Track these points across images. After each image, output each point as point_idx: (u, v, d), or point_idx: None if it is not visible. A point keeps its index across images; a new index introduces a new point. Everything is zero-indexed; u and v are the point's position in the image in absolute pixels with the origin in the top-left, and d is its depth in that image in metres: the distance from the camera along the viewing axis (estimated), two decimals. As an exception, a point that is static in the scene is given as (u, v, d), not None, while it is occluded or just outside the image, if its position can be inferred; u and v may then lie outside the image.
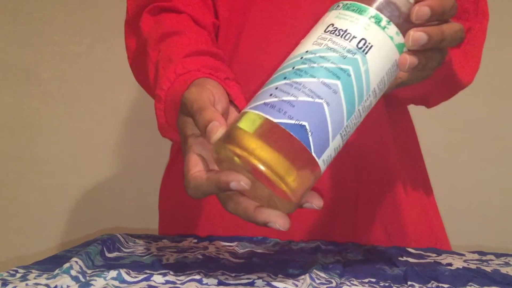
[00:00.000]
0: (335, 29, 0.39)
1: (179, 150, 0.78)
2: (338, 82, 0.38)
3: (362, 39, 0.39)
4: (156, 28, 0.63)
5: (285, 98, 0.37)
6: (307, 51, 0.39)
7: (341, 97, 0.38)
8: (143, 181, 1.42)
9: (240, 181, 0.38)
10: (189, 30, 0.63)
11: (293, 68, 0.39)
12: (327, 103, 0.37)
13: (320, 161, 0.38)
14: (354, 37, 0.39)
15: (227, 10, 0.70)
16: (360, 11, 0.40)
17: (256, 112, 0.38)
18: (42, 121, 1.48)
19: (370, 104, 0.40)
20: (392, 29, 0.39)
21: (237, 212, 0.42)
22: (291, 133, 0.37)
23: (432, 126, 1.27)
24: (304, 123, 0.37)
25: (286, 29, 0.68)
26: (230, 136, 0.38)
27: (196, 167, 0.43)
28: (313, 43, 0.40)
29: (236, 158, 0.38)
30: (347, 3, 0.41)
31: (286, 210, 0.40)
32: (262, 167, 0.36)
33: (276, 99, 0.38)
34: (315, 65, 0.38)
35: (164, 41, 0.61)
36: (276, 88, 0.38)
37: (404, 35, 0.40)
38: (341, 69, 0.38)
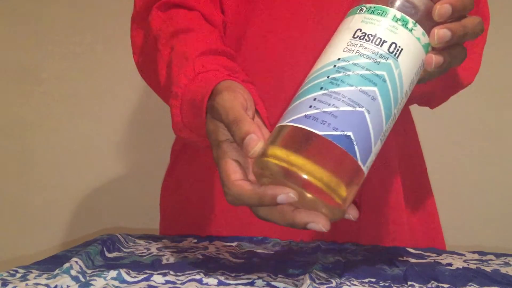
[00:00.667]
0: (363, 34, 0.40)
1: (180, 152, 0.78)
2: (375, 89, 0.38)
3: (393, 43, 0.39)
4: (167, 24, 0.62)
5: (326, 109, 0.37)
6: (339, 59, 0.39)
7: (380, 103, 0.38)
8: (144, 181, 1.43)
9: (288, 193, 0.38)
10: (202, 28, 0.62)
11: (328, 77, 0.39)
12: (368, 111, 0.38)
13: (364, 168, 0.39)
14: (384, 41, 0.39)
15: (234, 7, 0.69)
16: (385, 14, 0.40)
17: (299, 125, 0.38)
18: (42, 121, 1.47)
19: (403, 105, 0.41)
20: (419, 30, 0.40)
21: (271, 217, 0.42)
22: (338, 145, 0.37)
23: (432, 126, 1.27)
24: (348, 133, 0.37)
25: (290, 25, 0.68)
26: (275, 152, 0.38)
27: (236, 174, 0.43)
28: (344, 50, 0.40)
29: (281, 173, 0.38)
30: (370, 7, 0.41)
31: (334, 216, 0.40)
32: (314, 182, 0.37)
33: (317, 111, 0.38)
34: (350, 73, 0.38)
35: (176, 38, 0.60)
36: (315, 100, 0.38)
37: (428, 34, 0.40)
38: (376, 75, 0.38)
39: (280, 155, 0.38)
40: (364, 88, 0.38)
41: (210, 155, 0.73)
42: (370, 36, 0.39)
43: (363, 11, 0.41)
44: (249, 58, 0.68)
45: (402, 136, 0.75)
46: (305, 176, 0.36)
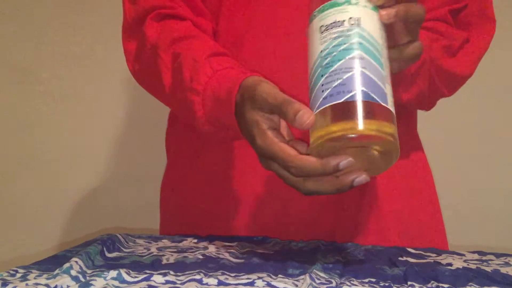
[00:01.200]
0: (327, 26, 0.48)
1: (176, 153, 0.78)
2: (358, 51, 0.46)
3: (350, 17, 0.47)
4: (165, 33, 0.65)
5: (334, 84, 0.45)
6: (321, 51, 0.47)
7: (368, 58, 0.46)
8: (144, 181, 1.43)
9: (348, 159, 0.45)
10: (200, 35, 0.66)
11: (322, 66, 0.47)
12: (363, 67, 0.45)
13: (390, 107, 0.46)
14: (343, 20, 0.47)
15: (230, 13, 0.70)
16: (332, 5, 0.48)
17: (326, 106, 0.45)
18: (42, 121, 1.47)
19: (387, 55, 0.49)
20: (362, 1, 0.48)
21: (320, 187, 0.48)
22: (362, 100, 0.44)
23: (432, 126, 1.27)
24: (362, 88, 0.44)
25: (290, 26, 0.68)
26: (329, 129, 0.45)
27: (293, 151, 0.48)
28: (320, 44, 0.48)
29: (338, 143, 0.45)
30: (320, 8, 0.49)
31: (391, 152, 0.46)
32: (367, 132, 0.44)
33: (329, 89, 0.45)
34: (335, 53, 0.46)
35: (177, 44, 0.63)
36: (323, 85, 0.46)
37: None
38: (352, 43, 0.46)
39: (333, 130, 0.44)
40: (350, 55, 0.46)
41: (210, 155, 0.73)
42: (331, 24, 0.47)
43: (316, 16, 0.49)
44: (249, 60, 0.69)
45: (404, 138, 0.75)
46: (357, 133, 0.44)
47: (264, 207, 0.70)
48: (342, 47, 0.46)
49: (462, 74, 0.70)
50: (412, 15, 0.50)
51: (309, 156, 0.47)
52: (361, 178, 0.46)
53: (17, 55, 1.47)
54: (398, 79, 0.59)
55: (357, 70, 0.45)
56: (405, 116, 0.77)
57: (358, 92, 0.44)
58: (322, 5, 0.49)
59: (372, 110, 0.44)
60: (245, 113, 0.52)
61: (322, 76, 0.46)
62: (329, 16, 0.48)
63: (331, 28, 0.47)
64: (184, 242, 0.66)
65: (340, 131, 0.44)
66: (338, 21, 0.47)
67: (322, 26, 0.48)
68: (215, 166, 0.73)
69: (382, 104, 0.45)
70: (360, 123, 0.44)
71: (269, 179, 0.69)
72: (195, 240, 0.67)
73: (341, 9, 0.48)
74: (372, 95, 0.44)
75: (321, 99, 0.45)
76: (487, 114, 1.44)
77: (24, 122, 1.47)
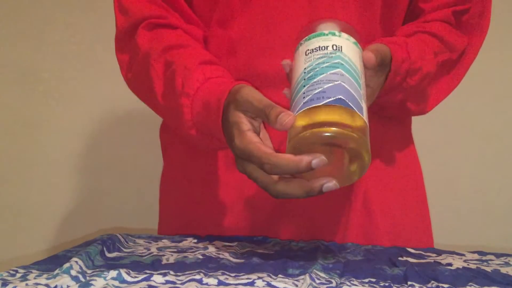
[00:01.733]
0: (311, 49, 0.52)
1: (175, 157, 0.78)
2: (339, 69, 0.50)
3: (333, 44, 0.52)
4: (157, 42, 0.66)
5: (315, 91, 0.48)
6: (304, 69, 0.51)
7: (347, 76, 0.50)
8: (143, 181, 1.43)
9: (321, 157, 0.46)
10: (191, 43, 0.67)
11: (304, 79, 0.50)
12: (343, 82, 0.49)
13: (364, 117, 0.48)
14: (327, 46, 0.52)
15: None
16: (318, 35, 0.54)
17: (305, 108, 0.48)
18: (42, 121, 1.48)
19: (364, 81, 0.53)
20: (344, 34, 0.54)
21: (290, 190, 0.49)
22: (339, 104, 0.47)
23: (432, 126, 1.27)
24: (339, 96, 0.48)
25: (284, 25, 0.68)
26: (305, 126, 0.47)
27: (269, 149, 0.49)
28: (304, 63, 0.52)
29: (311, 141, 0.47)
30: (306, 38, 0.54)
31: (365, 165, 0.48)
32: (342, 128, 0.46)
33: (310, 95, 0.48)
34: (317, 68, 0.50)
35: (169, 53, 0.64)
36: (304, 93, 0.49)
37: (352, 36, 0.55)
38: (334, 63, 0.50)
39: (306, 127, 0.47)
40: (332, 71, 0.49)
41: (203, 155, 0.73)
42: (316, 48, 0.52)
43: (303, 44, 0.54)
44: (241, 68, 0.69)
45: (392, 143, 0.75)
46: (331, 130, 0.46)
47: (260, 206, 0.70)
48: (325, 65, 0.50)
49: (441, 99, 0.73)
50: (382, 55, 0.56)
51: (284, 154, 0.48)
52: (331, 184, 0.48)
53: (17, 55, 1.47)
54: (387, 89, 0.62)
55: (337, 82, 0.48)
56: (398, 118, 0.77)
57: (336, 98, 0.47)
58: (309, 35, 0.54)
59: (347, 113, 0.47)
60: (229, 114, 0.53)
61: (304, 86, 0.49)
62: (314, 42, 0.53)
63: (316, 51, 0.52)
64: (184, 242, 0.66)
65: (315, 127, 0.46)
66: (322, 46, 0.52)
67: (307, 50, 0.52)
68: (210, 166, 0.73)
69: (358, 112, 0.48)
70: (335, 121, 0.46)
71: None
72: (195, 240, 0.67)
73: (326, 38, 0.53)
74: (350, 103, 0.47)
75: (302, 104, 0.48)
76: (488, 114, 1.44)
77: (24, 122, 1.47)
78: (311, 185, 0.48)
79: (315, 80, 0.49)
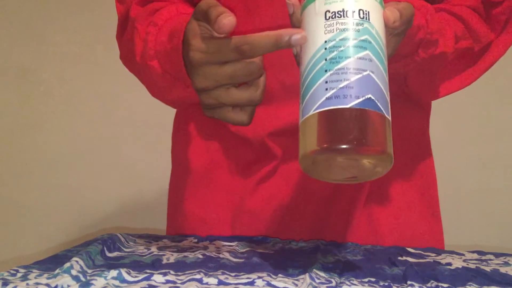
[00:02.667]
0: (333, 13, 0.44)
1: (181, 164, 0.78)
2: (367, 52, 0.43)
3: (360, 9, 0.44)
4: (146, 9, 0.64)
5: (341, 85, 0.42)
6: (326, 41, 0.43)
7: (375, 61, 0.43)
8: (144, 181, 1.43)
9: (301, 32, 0.44)
10: (176, 4, 0.64)
11: (326, 59, 0.43)
12: (372, 71, 0.43)
13: (389, 117, 0.43)
14: (353, 11, 0.44)
15: None
16: None
17: (327, 108, 0.42)
18: (42, 121, 1.48)
19: (386, 53, 0.46)
20: None
21: (241, 95, 0.47)
22: (366, 108, 0.42)
23: (432, 125, 1.27)
24: (369, 95, 0.42)
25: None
26: (333, 136, 0.42)
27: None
28: (325, 32, 0.44)
29: (335, 160, 0.42)
30: None
31: (386, 168, 0.44)
32: (372, 148, 0.41)
33: (334, 90, 0.42)
34: (342, 48, 0.43)
35: (154, 15, 0.61)
36: (327, 82, 0.42)
37: None
38: (362, 40, 0.43)
39: (334, 138, 0.41)
40: (359, 55, 0.43)
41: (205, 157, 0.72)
42: (340, 12, 0.44)
43: None
44: None
45: (409, 136, 0.74)
46: (360, 148, 0.41)
47: (262, 201, 0.71)
48: (351, 42, 0.43)
49: (455, 90, 0.67)
50: (407, 18, 0.48)
51: (257, 33, 0.45)
52: (299, 36, 0.44)
53: (17, 55, 1.47)
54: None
55: (365, 73, 0.42)
56: (416, 120, 0.75)
57: (366, 99, 0.42)
58: None
59: (377, 122, 0.42)
60: (188, 23, 0.50)
61: (325, 71, 0.43)
62: (337, 2, 0.44)
63: (339, 17, 0.43)
64: (184, 242, 0.66)
65: (345, 143, 0.41)
66: (347, 11, 0.44)
67: (328, 11, 0.44)
68: (215, 166, 0.73)
69: (386, 115, 0.43)
70: (365, 136, 0.41)
71: (267, 180, 0.70)
72: (195, 240, 0.67)
73: None
74: (379, 104, 0.42)
75: (324, 98, 0.42)
76: (488, 114, 1.44)
77: (24, 122, 1.48)
78: (279, 33, 0.44)
79: (340, 65, 0.42)
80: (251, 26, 0.66)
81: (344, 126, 0.41)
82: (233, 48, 0.45)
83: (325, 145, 0.42)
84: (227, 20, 0.43)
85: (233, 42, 0.45)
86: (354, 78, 0.42)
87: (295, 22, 0.48)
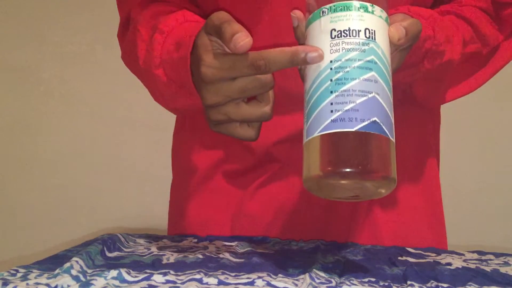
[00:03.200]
0: (339, 32, 0.44)
1: (186, 170, 0.78)
2: (373, 73, 0.43)
3: (366, 29, 0.43)
4: (147, 10, 0.63)
5: (347, 108, 0.42)
6: (331, 61, 0.43)
7: (381, 82, 0.43)
8: (144, 181, 1.43)
9: (318, 51, 0.43)
10: (182, 10, 0.63)
11: (331, 80, 0.43)
12: (377, 93, 0.42)
13: (393, 139, 0.43)
14: (359, 30, 0.43)
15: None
16: (348, 8, 0.44)
17: (332, 131, 0.42)
18: (42, 121, 1.48)
19: (391, 73, 0.46)
20: (377, 9, 0.45)
21: (252, 112, 0.47)
22: (372, 132, 0.41)
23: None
24: (374, 118, 0.42)
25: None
26: (338, 158, 0.42)
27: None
28: (330, 52, 0.44)
29: (340, 183, 0.42)
30: (331, 6, 0.45)
31: (389, 190, 0.43)
32: (377, 174, 0.41)
33: (340, 112, 0.42)
34: (348, 69, 0.43)
35: (156, 19, 0.60)
36: (332, 104, 0.42)
37: (382, 8, 0.46)
38: (368, 61, 0.43)
39: (339, 160, 0.41)
40: (365, 76, 0.42)
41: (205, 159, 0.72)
42: (346, 31, 0.43)
43: (326, 13, 0.45)
44: None
45: (414, 133, 0.73)
46: (365, 173, 0.41)
47: (264, 205, 0.71)
48: (357, 63, 0.43)
49: (463, 94, 0.66)
50: (413, 35, 0.48)
51: (273, 49, 0.45)
52: (315, 54, 0.44)
53: (17, 55, 1.47)
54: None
55: (371, 95, 0.42)
56: (422, 124, 0.74)
57: (371, 123, 0.41)
58: (334, 4, 0.45)
59: (382, 146, 0.42)
60: (196, 40, 0.49)
61: (331, 92, 0.42)
62: (343, 20, 0.44)
63: (345, 37, 0.43)
64: (184, 242, 0.66)
65: (349, 167, 0.41)
66: (353, 30, 0.43)
67: (334, 29, 0.44)
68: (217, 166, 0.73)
69: (390, 138, 0.43)
70: (370, 161, 0.41)
71: (268, 184, 0.70)
72: (195, 240, 0.67)
73: (357, 16, 0.44)
74: (384, 127, 0.42)
75: (329, 120, 0.42)
76: (488, 114, 1.44)
77: (24, 122, 1.48)
78: (296, 50, 0.44)
79: (345, 87, 0.42)
80: (254, 29, 0.66)
81: (349, 150, 0.41)
82: (248, 64, 0.44)
83: (329, 169, 0.42)
84: (244, 42, 0.43)
85: (249, 58, 0.44)
86: (359, 100, 0.42)
87: (299, 36, 0.48)
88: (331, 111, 0.42)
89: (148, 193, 1.41)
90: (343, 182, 0.42)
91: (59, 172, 1.47)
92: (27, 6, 1.47)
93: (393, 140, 0.43)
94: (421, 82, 0.61)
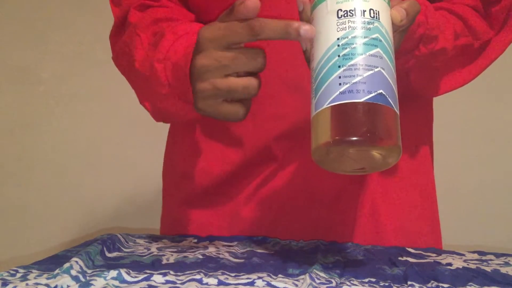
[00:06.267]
0: (345, 12, 0.46)
1: (174, 150, 0.78)
2: (378, 49, 0.45)
3: (371, 9, 0.46)
4: (147, 16, 0.64)
5: (354, 80, 0.44)
6: (338, 38, 0.45)
7: (385, 58, 0.45)
8: (144, 181, 1.43)
9: (311, 26, 0.46)
10: (182, 18, 0.64)
11: (339, 56, 0.45)
12: (382, 68, 0.45)
13: (398, 110, 0.45)
14: (364, 11, 0.46)
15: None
16: None
17: (341, 102, 0.44)
18: (42, 121, 1.48)
19: (394, 51, 0.48)
20: None
21: (237, 81, 0.48)
22: (378, 103, 0.44)
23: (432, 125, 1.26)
24: (380, 90, 0.44)
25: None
26: (347, 129, 0.44)
27: None
28: (337, 29, 0.46)
29: (349, 152, 0.44)
30: None
31: (395, 156, 0.45)
32: (384, 140, 0.44)
33: (348, 85, 0.44)
34: (354, 45, 0.45)
35: (157, 24, 0.61)
36: (340, 77, 0.44)
37: None
38: (373, 38, 0.45)
39: (348, 130, 0.43)
40: (371, 52, 0.45)
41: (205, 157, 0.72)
42: (351, 11, 0.46)
43: None
44: None
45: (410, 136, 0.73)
46: (373, 140, 0.43)
47: (263, 206, 0.70)
48: (362, 41, 0.45)
49: (457, 86, 0.68)
50: (413, 16, 0.50)
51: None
52: (307, 27, 0.46)
53: (17, 55, 1.47)
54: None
55: (377, 69, 0.44)
56: (416, 120, 0.74)
57: (377, 94, 0.44)
58: None
59: (388, 116, 0.44)
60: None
61: (339, 67, 0.45)
62: (348, 1, 0.46)
63: (351, 16, 0.45)
64: (184, 242, 0.66)
65: (358, 135, 0.43)
66: (359, 10, 0.46)
67: (340, 10, 0.46)
68: (211, 166, 0.73)
69: (395, 110, 0.45)
70: (376, 129, 0.43)
71: (267, 184, 0.70)
72: (195, 240, 0.67)
73: None
74: (389, 99, 0.44)
75: (338, 92, 0.44)
76: (488, 114, 1.44)
77: (24, 122, 1.48)
78: (290, 21, 0.47)
79: (352, 62, 0.44)
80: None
81: (357, 119, 0.43)
82: (244, 24, 0.46)
83: (337, 137, 0.43)
84: (251, 2, 0.45)
85: (246, 21, 0.46)
86: (366, 74, 0.44)
87: (304, 19, 0.49)
88: (340, 84, 0.44)
89: (147, 193, 1.41)
90: (351, 151, 0.44)
91: (59, 172, 1.47)
92: (27, 6, 1.47)
93: (398, 112, 0.45)
94: (418, 70, 0.63)
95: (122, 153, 1.48)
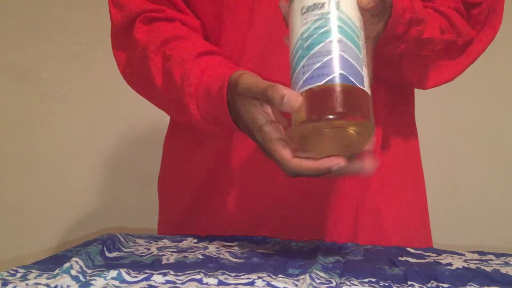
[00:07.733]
0: (307, 8, 0.50)
1: (172, 154, 0.78)
2: (337, 35, 0.48)
3: (329, 0, 0.49)
4: (154, 35, 0.66)
5: (315, 66, 0.47)
6: (302, 33, 0.49)
7: (346, 41, 0.48)
8: (144, 181, 1.43)
9: (339, 163, 0.48)
10: (189, 35, 0.66)
11: (303, 48, 0.49)
12: (342, 51, 0.47)
13: (366, 89, 0.48)
14: (323, 3, 0.49)
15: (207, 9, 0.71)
16: None
17: (306, 88, 0.47)
18: (42, 121, 1.48)
19: (364, 36, 0.51)
20: None
21: (301, 169, 0.50)
22: (340, 83, 0.47)
23: (432, 125, 1.27)
24: (341, 71, 0.47)
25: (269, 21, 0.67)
26: (311, 111, 0.47)
27: (287, 151, 0.50)
28: (301, 25, 0.50)
29: (318, 124, 0.47)
30: None
31: (369, 132, 0.49)
32: (347, 114, 0.46)
33: (310, 71, 0.47)
34: (315, 35, 0.48)
35: (167, 46, 0.64)
36: (303, 67, 0.48)
37: None
38: (332, 26, 0.48)
39: (312, 112, 0.47)
40: (329, 39, 0.48)
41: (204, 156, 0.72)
42: (311, 6, 0.49)
43: None
44: (251, 64, 0.68)
45: (398, 139, 0.75)
46: (336, 115, 0.46)
47: (263, 206, 0.70)
48: (322, 30, 0.48)
49: (442, 82, 0.71)
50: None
51: (303, 160, 0.49)
52: (339, 163, 0.49)
53: (17, 55, 1.47)
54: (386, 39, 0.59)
55: (335, 53, 0.47)
56: (400, 116, 0.76)
57: (337, 75, 0.47)
58: None
59: (350, 92, 0.47)
60: (239, 111, 0.53)
61: (303, 57, 0.48)
62: None
63: (312, 10, 0.49)
64: (184, 242, 0.66)
65: (321, 113, 0.46)
66: (319, 4, 0.49)
67: (303, 7, 0.50)
68: (210, 166, 0.73)
69: (359, 86, 0.47)
70: (340, 106, 0.46)
71: (268, 180, 0.70)
72: (195, 240, 0.67)
73: None
74: (350, 78, 0.47)
75: (302, 81, 0.48)
76: (488, 113, 1.44)
77: (24, 122, 1.47)
78: (319, 166, 0.49)
79: (313, 51, 0.48)
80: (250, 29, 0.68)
81: (321, 101, 0.47)
82: (277, 162, 0.50)
83: (306, 118, 0.47)
84: (299, 102, 0.47)
85: (277, 158, 0.50)
86: (325, 59, 0.47)
87: (285, 17, 0.53)
88: (303, 73, 0.48)
89: (148, 193, 1.41)
90: (324, 129, 0.47)
91: (59, 172, 1.47)
92: (27, 6, 1.47)
93: (364, 89, 0.48)
94: (410, 57, 0.65)
95: (122, 153, 1.48)
